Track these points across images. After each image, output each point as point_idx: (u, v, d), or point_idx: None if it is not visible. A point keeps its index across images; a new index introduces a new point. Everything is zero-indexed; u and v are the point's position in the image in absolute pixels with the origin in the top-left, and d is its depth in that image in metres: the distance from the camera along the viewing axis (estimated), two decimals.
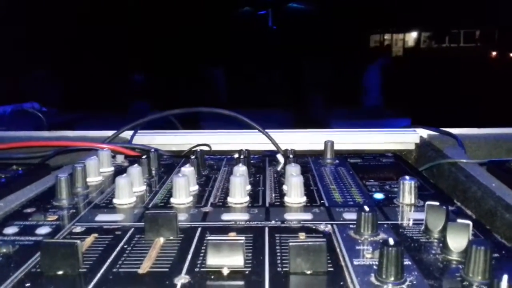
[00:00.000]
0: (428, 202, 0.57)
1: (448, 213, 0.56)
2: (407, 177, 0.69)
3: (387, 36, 13.19)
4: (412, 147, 1.14)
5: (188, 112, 1.15)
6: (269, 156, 0.98)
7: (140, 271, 0.48)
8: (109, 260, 0.51)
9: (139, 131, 1.17)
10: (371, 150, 1.13)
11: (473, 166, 0.88)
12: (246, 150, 0.87)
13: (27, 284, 0.46)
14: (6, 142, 1.06)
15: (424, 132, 1.14)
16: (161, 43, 8.06)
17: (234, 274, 0.47)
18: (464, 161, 0.90)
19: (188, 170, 0.74)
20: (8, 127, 1.31)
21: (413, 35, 13.19)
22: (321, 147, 0.97)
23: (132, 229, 0.59)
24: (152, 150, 0.87)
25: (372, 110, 4.84)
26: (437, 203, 0.57)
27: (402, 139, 1.13)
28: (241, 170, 0.73)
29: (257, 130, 1.11)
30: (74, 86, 6.11)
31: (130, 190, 0.70)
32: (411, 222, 0.62)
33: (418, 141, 1.13)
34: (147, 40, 7.78)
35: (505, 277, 0.40)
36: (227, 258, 0.48)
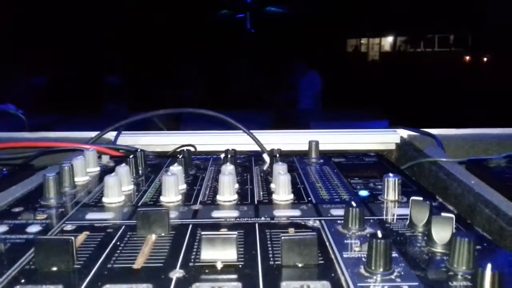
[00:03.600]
0: (412, 198, 0.59)
1: (432, 208, 0.59)
2: (391, 174, 0.71)
3: (363, 41, 13.40)
4: (393, 147, 1.17)
5: (173, 112, 1.16)
6: (254, 156, 0.99)
7: (135, 266, 0.49)
8: (103, 256, 0.51)
9: (123, 132, 1.17)
10: (354, 150, 1.16)
11: (453, 164, 0.91)
12: (233, 149, 0.88)
13: (22, 281, 0.46)
14: None
15: (404, 133, 1.17)
16: (137, 45, 8.02)
17: (228, 268, 0.48)
18: (444, 160, 0.93)
19: (176, 169, 0.74)
20: None
21: (389, 39, 13.43)
22: (304, 148, 0.99)
23: (124, 226, 0.60)
24: (138, 150, 0.87)
25: (353, 112, 4.90)
26: (421, 198, 0.59)
27: (383, 139, 1.16)
28: (229, 168, 0.74)
29: (241, 131, 1.12)
30: (47, 88, 6.02)
31: (119, 189, 0.70)
32: (396, 217, 0.64)
33: (398, 141, 1.16)
34: (122, 42, 7.73)
35: (489, 266, 0.42)
36: (220, 252, 0.49)
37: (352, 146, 1.17)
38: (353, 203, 0.59)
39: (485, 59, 11.53)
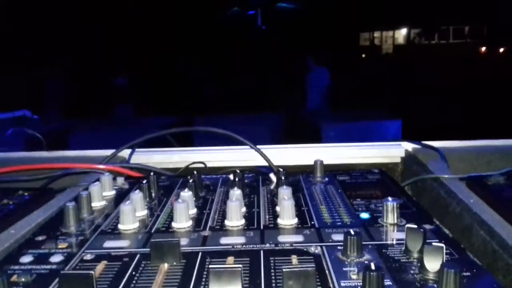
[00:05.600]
0: (407, 225, 0.63)
1: (426, 235, 0.62)
2: (389, 198, 0.75)
3: (376, 34, 13.32)
4: (398, 160, 1.20)
5: (185, 131, 1.21)
6: (262, 174, 1.04)
7: None
8: (120, 287, 0.56)
9: (136, 149, 1.22)
10: (359, 164, 1.20)
11: (454, 181, 0.94)
12: (240, 172, 0.92)
13: None
14: (9, 164, 1.11)
15: (409, 146, 1.20)
16: (147, 45, 8.09)
17: None
18: (446, 176, 0.97)
19: (186, 194, 0.79)
20: (8, 146, 1.36)
21: (403, 32, 13.31)
22: (311, 161, 1.03)
23: (138, 255, 0.65)
24: (152, 173, 0.92)
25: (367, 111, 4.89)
26: (415, 226, 0.62)
27: (388, 153, 1.19)
28: (236, 194, 0.78)
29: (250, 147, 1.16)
30: (60, 92, 6.13)
31: (134, 215, 0.75)
32: (394, 242, 0.67)
33: (403, 155, 1.19)
34: (132, 42, 7.80)
35: None
36: (227, 285, 0.53)
37: (358, 160, 1.20)
38: (351, 231, 0.63)
39: (501, 50, 11.39)
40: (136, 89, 6.54)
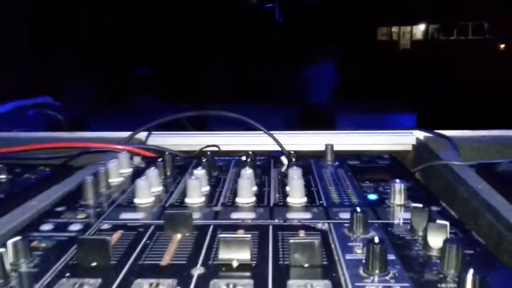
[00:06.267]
0: (413, 204, 0.65)
1: (431, 214, 0.64)
2: (397, 180, 0.76)
3: (394, 29, 13.18)
4: (410, 148, 1.21)
5: (199, 115, 1.23)
6: (273, 158, 1.06)
7: (162, 263, 0.57)
8: (134, 254, 0.59)
9: (152, 132, 1.25)
10: (371, 151, 1.21)
11: (463, 168, 0.95)
12: (252, 153, 0.95)
13: (67, 274, 0.54)
14: (31, 143, 1.15)
15: (420, 134, 1.21)
16: (166, 38, 8.15)
17: (242, 266, 0.55)
18: (455, 163, 0.98)
19: (200, 172, 0.82)
20: (30, 126, 1.40)
21: (421, 27, 13.15)
22: (323, 147, 1.05)
23: (153, 226, 0.68)
24: (167, 153, 0.95)
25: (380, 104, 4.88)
26: (421, 205, 0.64)
27: (400, 140, 1.21)
28: (247, 173, 0.81)
29: (263, 132, 1.19)
30: (83, 81, 6.22)
31: (149, 190, 0.78)
32: (400, 222, 0.69)
33: (415, 142, 1.20)
34: (152, 34, 7.87)
35: (470, 271, 0.47)
36: (236, 253, 0.56)
37: (370, 147, 1.22)
38: (358, 208, 0.65)
39: None
40: (157, 79, 6.61)
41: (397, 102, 5.15)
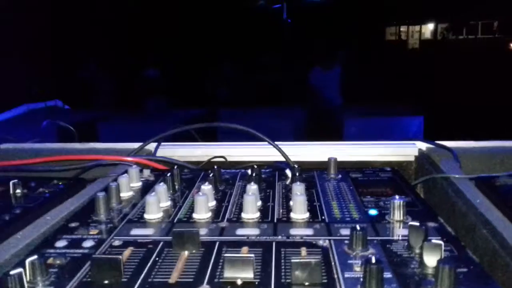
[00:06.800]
0: (410, 223, 0.68)
1: (427, 233, 0.67)
2: (397, 196, 0.79)
3: (403, 28, 13.14)
4: (412, 159, 1.24)
5: (207, 126, 1.27)
6: (278, 169, 1.09)
7: (170, 281, 0.60)
8: (144, 271, 0.62)
9: (162, 143, 1.29)
10: (375, 161, 1.24)
11: (463, 181, 0.98)
12: (257, 166, 0.98)
13: None
14: (43, 154, 1.19)
15: (422, 145, 1.24)
16: (175, 38, 8.20)
17: (246, 284, 0.59)
18: (456, 176, 1.00)
19: (207, 188, 0.85)
20: (43, 137, 1.45)
21: (430, 26, 13.10)
22: (326, 158, 1.08)
23: (162, 242, 0.71)
24: (175, 167, 0.99)
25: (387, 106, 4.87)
26: (417, 224, 0.67)
27: (403, 152, 1.23)
28: (253, 188, 0.84)
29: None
30: (90, 82, 6.29)
31: (158, 206, 0.82)
32: (398, 238, 0.72)
33: (417, 153, 1.23)
34: (160, 35, 7.93)
35: None
36: (240, 272, 0.59)
37: (373, 158, 1.24)
38: (358, 226, 0.68)
39: None
40: (166, 81, 6.67)
41: (404, 103, 5.15)
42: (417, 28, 12.96)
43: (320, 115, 4.83)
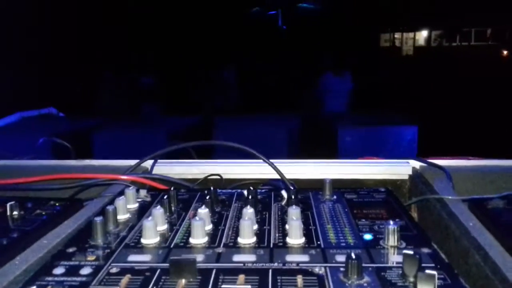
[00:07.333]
0: (404, 251, 0.69)
1: (421, 261, 0.68)
2: (391, 222, 0.80)
3: (397, 35, 13.23)
4: (406, 177, 1.25)
5: (203, 144, 1.28)
6: (274, 189, 1.10)
7: None
8: None
9: (158, 160, 1.30)
10: (369, 180, 1.25)
11: (456, 203, 0.99)
12: (253, 188, 0.99)
13: None
14: (39, 172, 1.20)
15: (416, 164, 1.25)
16: (170, 45, 8.21)
17: None
18: (449, 197, 1.01)
19: (203, 212, 0.86)
20: (38, 153, 1.45)
21: (424, 33, 13.19)
22: (322, 175, 1.10)
23: (159, 270, 0.72)
24: (172, 189, 0.99)
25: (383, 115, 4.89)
26: (411, 253, 0.68)
27: (396, 171, 1.25)
28: (249, 212, 0.85)
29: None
30: (85, 91, 6.29)
31: (155, 230, 0.82)
32: (392, 265, 0.73)
33: (411, 172, 1.24)
34: (155, 41, 7.94)
35: None
36: None
37: (368, 176, 1.26)
38: (353, 255, 0.69)
39: None
40: (160, 89, 6.68)
41: (399, 112, 5.18)
42: (411, 35, 13.05)
43: (314, 123, 4.85)
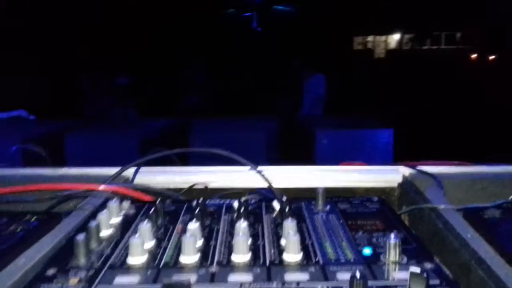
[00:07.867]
0: (411, 270, 0.65)
1: (428, 280, 0.65)
2: (392, 236, 0.77)
3: (370, 38, 13.39)
4: (395, 185, 1.23)
5: (187, 151, 1.23)
6: (264, 199, 1.06)
7: None
8: None
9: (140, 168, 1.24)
10: (358, 187, 1.23)
11: (451, 213, 0.97)
12: (245, 201, 0.94)
13: None
14: (14, 182, 1.12)
15: (406, 171, 1.23)
16: (143, 44, 8.08)
17: None
18: (442, 207, 0.99)
19: (193, 227, 0.81)
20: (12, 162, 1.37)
21: (395, 37, 13.40)
22: (311, 182, 1.07)
23: None
24: (158, 201, 0.94)
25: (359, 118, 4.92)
26: (418, 271, 0.65)
27: (386, 178, 1.22)
28: (242, 227, 0.81)
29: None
30: (55, 90, 6.12)
31: (142, 248, 0.77)
32: (395, 283, 0.70)
33: (400, 180, 1.22)
34: (130, 41, 7.80)
35: None
36: None
37: (357, 184, 1.23)
38: (357, 274, 0.65)
39: (492, 57, 11.51)
40: (135, 89, 6.55)
41: (373, 114, 5.22)
42: (383, 38, 13.22)
43: (291, 126, 4.83)
